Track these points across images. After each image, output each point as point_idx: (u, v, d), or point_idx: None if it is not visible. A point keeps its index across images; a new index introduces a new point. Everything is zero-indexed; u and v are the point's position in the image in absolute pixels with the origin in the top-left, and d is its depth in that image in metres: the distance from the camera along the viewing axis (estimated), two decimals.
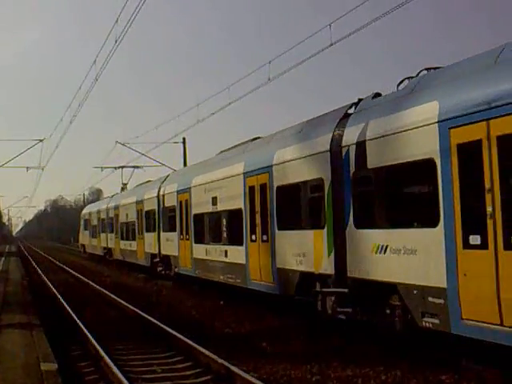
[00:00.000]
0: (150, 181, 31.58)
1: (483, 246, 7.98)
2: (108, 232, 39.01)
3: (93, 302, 19.01)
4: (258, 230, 15.20)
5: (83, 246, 52.40)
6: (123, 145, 37.72)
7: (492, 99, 7.91)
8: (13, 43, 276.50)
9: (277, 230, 14.16)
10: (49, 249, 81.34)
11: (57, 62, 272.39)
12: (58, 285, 24.13)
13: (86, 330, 12.62)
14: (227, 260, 17.41)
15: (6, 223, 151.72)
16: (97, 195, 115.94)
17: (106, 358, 10.04)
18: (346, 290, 11.27)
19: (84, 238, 51.76)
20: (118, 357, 10.73)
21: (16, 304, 16.56)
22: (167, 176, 26.68)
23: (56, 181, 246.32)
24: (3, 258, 45.80)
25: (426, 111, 9.09)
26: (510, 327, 7.60)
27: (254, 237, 15.52)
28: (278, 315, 14.46)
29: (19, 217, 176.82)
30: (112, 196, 41.91)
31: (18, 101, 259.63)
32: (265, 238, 14.81)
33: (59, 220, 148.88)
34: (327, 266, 11.88)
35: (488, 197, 7.89)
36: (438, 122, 8.80)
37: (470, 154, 8.26)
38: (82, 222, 52.91)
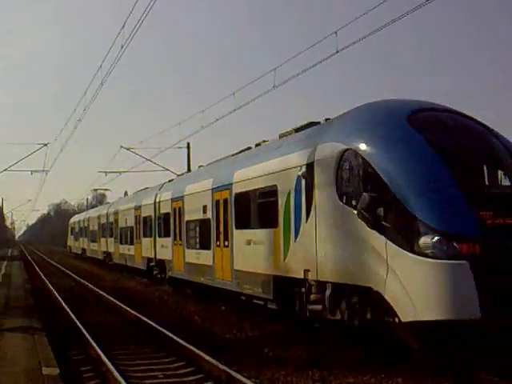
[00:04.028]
0: (108, 203, 46.99)
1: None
2: (84, 237, 54.34)
3: (94, 306, 19.60)
4: (137, 237, 30.42)
5: (70, 247, 68.05)
6: (128, 149, 37.88)
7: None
8: (16, 45, 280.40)
9: (142, 238, 29.37)
10: (51, 252, 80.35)
11: (63, 67, 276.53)
12: (59, 288, 25.10)
13: (87, 335, 12.71)
14: (130, 253, 32.71)
15: (9, 226, 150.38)
16: (100, 199, 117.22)
17: (108, 363, 10.11)
18: (154, 263, 26.46)
19: (70, 241, 67.44)
20: (120, 362, 10.78)
21: (18, 308, 16.83)
22: (114, 202, 42.16)
23: (60, 185, 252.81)
24: (5, 262, 46.56)
25: (165, 196, 24.13)
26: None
27: (135, 240, 30.77)
28: (280, 321, 14.51)
29: (22, 220, 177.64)
30: (88, 210, 57.44)
31: (23, 104, 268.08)
32: (138, 241, 30.03)
33: (62, 224, 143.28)
34: (153, 254, 27.00)
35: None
36: (153, 203, 23.83)
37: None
38: (69, 229, 68.59)
